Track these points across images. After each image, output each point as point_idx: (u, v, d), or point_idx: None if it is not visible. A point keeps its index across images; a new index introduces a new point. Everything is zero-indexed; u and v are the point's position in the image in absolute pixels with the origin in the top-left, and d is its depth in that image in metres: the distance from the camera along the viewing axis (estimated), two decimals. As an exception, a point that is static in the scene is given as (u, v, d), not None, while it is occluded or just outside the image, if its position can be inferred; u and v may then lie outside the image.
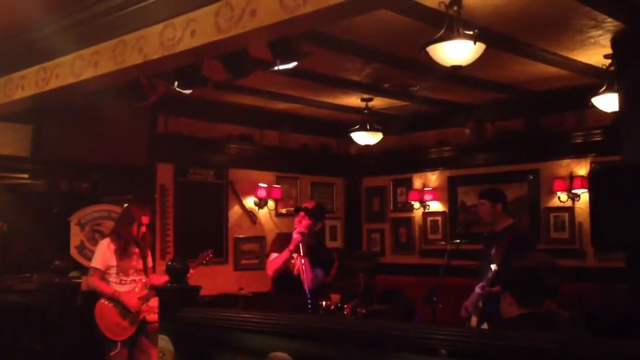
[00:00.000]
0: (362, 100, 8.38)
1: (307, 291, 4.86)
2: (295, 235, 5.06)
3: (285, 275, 5.14)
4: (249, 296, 7.07)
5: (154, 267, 6.08)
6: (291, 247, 5.07)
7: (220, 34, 4.16)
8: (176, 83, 5.22)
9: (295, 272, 5.08)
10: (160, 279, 5.75)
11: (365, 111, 8.53)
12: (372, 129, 8.50)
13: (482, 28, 5.05)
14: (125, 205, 5.93)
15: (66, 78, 5.27)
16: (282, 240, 5.30)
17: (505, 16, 5.29)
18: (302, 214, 5.16)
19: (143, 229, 5.70)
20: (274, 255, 5.20)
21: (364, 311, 6.58)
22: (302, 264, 4.99)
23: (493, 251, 5.19)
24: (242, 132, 9.04)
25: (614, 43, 5.80)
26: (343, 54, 6.36)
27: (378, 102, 8.50)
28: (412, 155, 9.66)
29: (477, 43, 4.70)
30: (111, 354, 5.43)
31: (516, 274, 3.78)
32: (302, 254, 5.02)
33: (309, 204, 5.34)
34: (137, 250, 5.68)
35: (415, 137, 9.71)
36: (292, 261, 5.13)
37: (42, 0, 4.70)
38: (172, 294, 3.82)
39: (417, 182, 9.67)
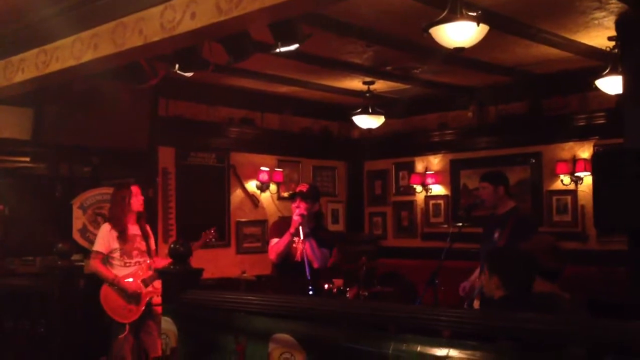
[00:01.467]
0: (364, 83, 8.34)
1: (308, 274, 4.85)
2: (296, 218, 5.04)
3: (287, 260, 5.11)
4: (252, 280, 7.08)
5: (156, 249, 6.08)
6: (292, 229, 5.05)
7: (220, 15, 4.11)
8: (177, 66, 5.18)
9: (298, 257, 5.06)
10: (164, 261, 5.76)
11: (367, 94, 8.50)
12: (374, 113, 8.48)
13: (485, 10, 5.02)
14: (112, 190, 5.88)
15: (66, 61, 5.23)
16: (282, 225, 5.27)
17: (508, -3, 5.26)
18: (298, 199, 5.13)
19: (140, 199, 5.66)
20: (274, 240, 5.17)
21: (366, 293, 6.61)
22: (304, 249, 4.97)
23: (496, 234, 5.18)
24: (243, 116, 9.02)
25: (618, 25, 5.75)
26: (344, 36, 6.33)
27: (380, 85, 8.47)
28: (414, 138, 9.64)
29: (480, 25, 4.67)
30: (120, 337, 5.45)
31: (503, 256, 3.75)
32: (303, 236, 5.00)
33: (303, 187, 5.30)
34: (139, 231, 5.68)
35: (417, 120, 9.69)
36: (294, 245, 5.11)
37: (42, -18, 4.67)
38: (174, 276, 3.83)
39: (419, 166, 9.66)
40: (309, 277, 4.84)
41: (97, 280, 5.56)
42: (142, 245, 5.69)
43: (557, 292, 3.76)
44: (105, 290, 5.51)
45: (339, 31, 6.11)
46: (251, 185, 9.03)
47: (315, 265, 5.02)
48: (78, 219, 6.96)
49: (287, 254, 5.11)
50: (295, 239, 5.08)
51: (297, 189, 5.31)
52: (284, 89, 8.69)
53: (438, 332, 2.61)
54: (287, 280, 5.07)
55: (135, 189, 5.67)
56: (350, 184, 10.38)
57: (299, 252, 5.07)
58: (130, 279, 5.53)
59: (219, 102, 8.68)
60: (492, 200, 5.36)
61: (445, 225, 9.14)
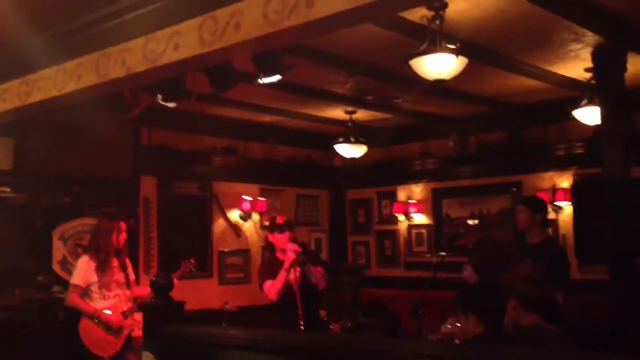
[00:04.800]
0: (346, 112, 8.40)
1: (300, 307, 4.83)
2: (291, 254, 4.98)
3: (285, 295, 5.05)
4: (234, 311, 7.01)
5: (137, 279, 6.02)
6: (286, 266, 4.99)
7: (204, 47, 4.15)
8: (159, 96, 5.20)
9: (296, 288, 5.00)
10: (143, 290, 5.71)
11: (349, 123, 8.55)
12: (356, 142, 8.52)
13: (464, 42, 5.10)
14: (98, 219, 5.83)
15: (49, 91, 5.24)
16: (270, 266, 5.21)
17: (486, 30, 5.34)
18: (288, 233, 5.11)
19: (123, 235, 5.64)
20: (268, 282, 5.08)
21: (349, 324, 6.58)
22: (295, 279, 4.95)
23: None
24: (226, 145, 9.03)
25: (594, 57, 5.87)
26: (326, 66, 6.38)
27: (362, 115, 8.53)
28: (396, 167, 9.69)
29: (460, 57, 4.74)
30: (98, 371, 5.37)
31: (475, 292, 3.73)
32: (300, 267, 4.99)
33: (284, 218, 5.31)
34: (117, 263, 5.62)
35: (399, 149, 9.75)
36: (289, 280, 5.05)
37: (25, 13, 4.67)
38: (156, 309, 3.79)
39: (402, 195, 9.69)
40: (301, 309, 4.81)
41: (76, 313, 5.48)
42: (121, 277, 5.63)
43: (542, 324, 3.74)
44: (84, 323, 5.43)
45: (321, 61, 6.16)
46: (234, 215, 9.00)
47: (322, 285, 5.08)
48: (58, 250, 6.89)
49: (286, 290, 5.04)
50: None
51: (280, 220, 5.27)
52: (267, 118, 8.72)
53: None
54: (285, 315, 5.02)
55: (123, 225, 5.63)
56: (333, 212, 10.39)
57: (295, 283, 5.01)
58: (109, 312, 5.47)
59: (202, 131, 8.68)
60: (527, 225, 5.30)
61: (429, 255, 9.15)
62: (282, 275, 5.01)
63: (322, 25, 3.72)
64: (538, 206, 5.38)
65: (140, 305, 5.20)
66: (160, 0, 4.36)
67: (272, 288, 5.05)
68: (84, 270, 5.49)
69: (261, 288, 5.17)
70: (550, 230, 7.06)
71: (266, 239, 5.62)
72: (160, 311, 3.78)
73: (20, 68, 5.45)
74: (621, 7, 5.00)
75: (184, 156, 8.46)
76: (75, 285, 5.48)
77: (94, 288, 5.49)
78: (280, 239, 5.15)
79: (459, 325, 3.70)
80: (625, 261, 5.35)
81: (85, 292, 5.49)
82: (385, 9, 3.70)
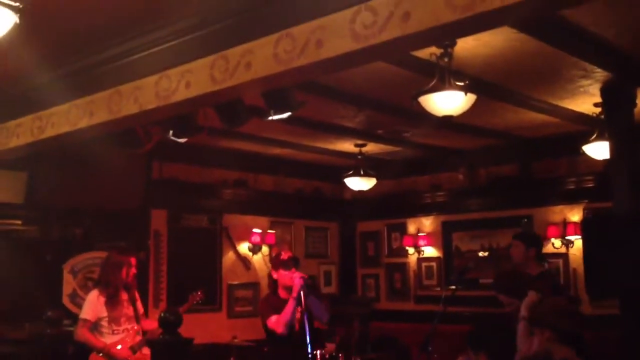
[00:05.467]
0: (356, 145, 8.43)
1: (309, 345, 4.74)
2: (298, 281, 4.87)
3: (288, 332, 4.95)
4: (243, 346, 6.97)
5: (146, 312, 6.01)
6: (294, 294, 4.88)
7: (215, 85, 4.22)
8: (171, 132, 5.26)
9: (297, 327, 4.91)
10: (152, 324, 5.68)
11: (359, 156, 8.57)
12: (366, 175, 8.54)
13: (473, 78, 5.13)
14: (108, 252, 5.84)
15: (61, 126, 5.31)
16: (272, 301, 5.11)
17: (495, 66, 5.38)
18: (293, 268, 5.01)
19: (133, 270, 5.63)
20: (274, 317, 4.96)
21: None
22: (303, 317, 4.86)
23: None
24: (236, 177, 9.07)
25: (604, 92, 5.89)
26: (336, 101, 6.43)
27: (371, 148, 8.56)
28: (406, 200, 9.69)
29: (468, 94, 4.77)
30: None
31: (490, 332, 3.70)
32: (304, 297, 4.87)
33: (289, 254, 5.22)
34: (126, 296, 5.62)
35: (408, 182, 9.75)
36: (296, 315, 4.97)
37: (39, 50, 4.76)
38: (164, 346, 3.79)
39: (412, 227, 9.67)
40: (309, 346, 4.72)
41: (86, 347, 5.47)
42: (130, 311, 5.62)
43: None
44: (94, 358, 5.41)
45: (331, 96, 6.22)
46: (243, 247, 9.00)
47: (326, 318, 4.99)
48: (68, 284, 6.91)
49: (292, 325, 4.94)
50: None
51: (285, 256, 5.15)
52: (277, 150, 8.77)
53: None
54: (289, 353, 4.93)
55: (133, 260, 5.64)
56: (343, 245, 10.37)
57: (296, 322, 4.95)
58: (119, 346, 5.45)
59: (212, 164, 8.73)
60: (521, 260, 5.32)
61: (438, 288, 9.10)
62: (290, 304, 4.88)
63: (332, 64, 3.78)
64: (532, 241, 5.43)
65: (148, 342, 5.18)
66: (172, 40, 4.44)
67: (279, 321, 4.91)
68: (93, 305, 5.48)
69: (264, 324, 5.04)
70: (546, 265, 7.09)
71: (269, 275, 5.51)
72: (168, 348, 3.77)
73: (33, 104, 5.54)
74: (629, 43, 5.03)
75: (194, 189, 8.51)
76: (85, 320, 5.46)
77: (104, 322, 5.48)
78: (285, 276, 5.03)
79: None
80: (636, 296, 5.31)
81: (94, 326, 5.47)
82: (393, 50, 3.75)
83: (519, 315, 4.27)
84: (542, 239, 5.49)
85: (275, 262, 5.19)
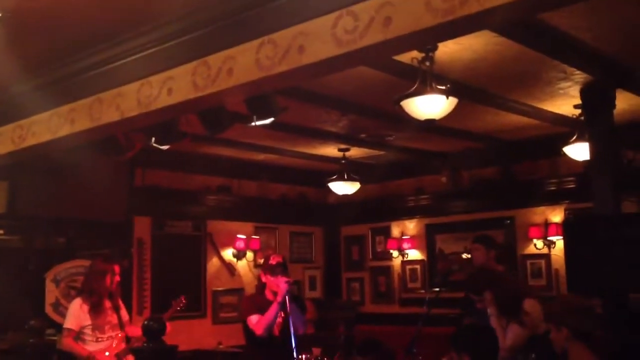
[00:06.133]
0: (340, 150, 8.46)
1: (294, 346, 4.72)
2: (284, 285, 4.82)
3: (269, 336, 4.88)
4: (228, 352, 6.96)
5: (130, 318, 5.98)
6: (279, 298, 4.82)
7: (197, 91, 4.21)
8: (153, 139, 5.23)
9: (277, 331, 4.94)
10: (137, 330, 5.65)
11: (343, 161, 8.60)
12: (350, 179, 8.56)
13: (454, 82, 5.16)
14: (92, 261, 5.81)
15: (43, 135, 5.27)
16: (256, 300, 5.05)
17: (476, 70, 5.43)
18: (280, 276, 4.90)
19: (117, 278, 5.61)
20: (254, 316, 4.89)
21: (345, 363, 6.51)
22: (289, 316, 4.84)
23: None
24: (220, 183, 9.05)
25: (583, 94, 5.95)
26: (319, 106, 6.45)
27: (355, 152, 8.59)
28: (390, 203, 9.72)
29: (450, 97, 4.80)
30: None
31: (473, 333, 3.72)
32: (289, 302, 4.84)
33: (278, 258, 5.17)
34: (109, 304, 5.59)
35: (392, 185, 9.79)
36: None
37: (19, 58, 4.72)
38: (148, 354, 3.78)
39: (396, 231, 9.71)
40: (295, 350, 4.70)
41: (71, 356, 5.43)
42: (114, 319, 5.59)
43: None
44: (79, 367, 5.38)
45: (314, 101, 6.23)
46: (227, 254, 8.98)
47: (301, 330, 4.91)
48: (51, 293, 6.85)
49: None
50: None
51: (273, 261, 5.08)
52: (260, 156, 8.76)
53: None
54: (269, 357, 4.94)
55: (117, 268, 5.61)
56: (327, 249, 10.39)
57: (277, 326, 4.94)
58: (107, 353, 5.42)
59: (195, 170, 8.72)
60: (483, 262, 5.41)
61: (423, 290, 9.14)
62: (273, 308, 4.83)
63: (314, 70, 3.79)
64: (491, 243, 5.54)
65: (131, 350, 5.15)
66: (154, 46, 4.43)
67: (260, 322, 4.84)
68: (77, 314, 5.44)
69: (243, 321, 4.98)
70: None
71: (259, 278, 5.43)
72: (152, 356, 3.76)
73: (14, 112, 5.49)
74: (608, 45, 5.09)
75: (177, 196, 8.48)
76: (69, 330, 5.41)
77: (87, 331, 5.44)
78: (272, 282, 4.97)
79: None
80: (619, 295, 5.36)
81: (78, 335, 5.43)
82: (375, 55, 3.76)
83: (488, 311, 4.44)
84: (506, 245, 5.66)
85: (264, 265, 5.16)
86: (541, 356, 3.90)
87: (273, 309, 4.85)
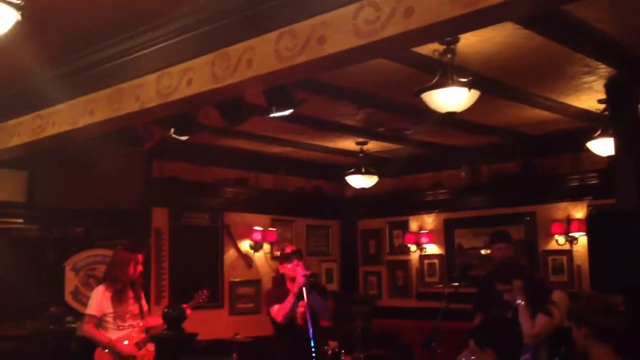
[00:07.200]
0: (357, 143, 8.41)
1: (311, 338, 4.81)
2: (301, 278, 5.02)
3: (291, 325, 5.10)
4: (245, 342, 6.96)
5: (149, 309, 6.01)
6: (295, 289, 5.03)
7: (216, 82, 4.19)
8: (172, 130, 5.23)
9: (300, 321, 5.03)
10: (156, 320, 5.68)
11: (360, 154, 8.55)
12: (367, 173, 8.51)
13: (476, 75, 5.10)
14: (116, 249, 5.85)
15: (62, 125, 5.29)
16: (277, 292, 5.26)
17: (498, 63, 5.34)
18: (295, 259, 5.15)
19: (140, 267, 5.65)
20: (276, 306, 5.14)
21: (362, 356, 6.50)
22: (306, 312, 4.95)
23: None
24: (237, 176, 9.05)
25: (608, 88, 5.84)
26: (337, 99, 6.40)
27: (373, 146, 8.53)
28: (408, 197, 9.66)
29: (471, 90, 4.74)
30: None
31: (497, 327, 3.65)
32: (307, 293, 5.00)
33: (293, 247, 5.39)
34: (132, 294, 5.62)
35: (410, 179, 9.72)
36: (296, 309, 5.10)
37: (39, 48, 4.73)
38: (168, 342, 3.78)
39: (413, 225, 9.65)
40: (312, 341, 4.80)
41: (89, 343, 5.46)
42: (135, 308, 5.62)
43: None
44: (99, 354, 5.41)
45: (332, 95, 6.18)
46: (245, 245, 8.99)
47: (327, 317, 5.09)
48: (70, 281, 6.90)
49: (292, 318, 5.10)
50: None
51: (288, 250, 5.31)
52: (277, 149, 8.75)
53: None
54: (291, 346, 5.05)
55: (140, 257, 5.64)
56: (344, 243, 10.35)
57: (299, 316, 5.05)
58: (126, 342, 5.44)
59: (213, 162, 8.72)
60: (506, 258, 5.44)
61: (440, 285, 9.08)
62: (290, 299, 5.05)
63: (333, 61, 3.75)
64: (510, 237, 5.72)
65: (152, 337, 5.18)
66: (173, 37, 4.41)
67: (280, 310, 5.10)
68: (99, 300, 5.48)
69: (268, 313, 5.23)
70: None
71: (277, 270, 5.64)
72: (172, 343, 3.76)
73: (34, 103, 5.52)
74: (633, 39, 5.00)
75: (195, 187, 8.49)
76: (91, 316, 5.46)
77: (109, 318, 5.48)
78: (290, 269, 5.18)
79: (474, 359, 3.64)
80: (641, 292, 5.28)
81: (99, 322, 5.47)
82: (395, 46, 3.72)
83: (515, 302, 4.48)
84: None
85: (281, 256, 5.43)
86: (572, 350, 3.85)
87: (290, 299, 5.07)
